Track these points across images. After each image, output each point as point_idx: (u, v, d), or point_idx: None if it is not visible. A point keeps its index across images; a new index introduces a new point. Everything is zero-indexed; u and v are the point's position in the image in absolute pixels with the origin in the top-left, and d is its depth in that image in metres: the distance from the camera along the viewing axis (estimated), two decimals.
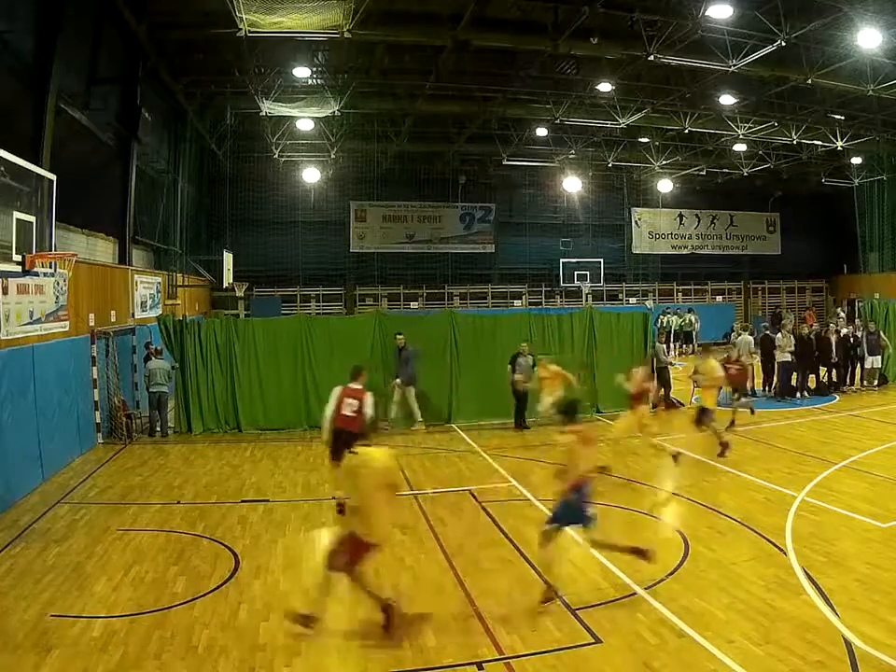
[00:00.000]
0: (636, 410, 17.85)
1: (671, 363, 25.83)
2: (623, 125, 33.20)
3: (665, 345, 25.76)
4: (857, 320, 32.26)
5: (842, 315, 28.62)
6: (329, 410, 13.75)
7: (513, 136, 38.18)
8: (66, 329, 18.53)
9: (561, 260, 48.41)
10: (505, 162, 41.42)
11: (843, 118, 33.74)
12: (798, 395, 26.21)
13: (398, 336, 22.14)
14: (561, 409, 11.27)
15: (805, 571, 10.61)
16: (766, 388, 26.91)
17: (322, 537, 13.10)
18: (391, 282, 47.36)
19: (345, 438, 12.06)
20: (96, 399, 20.14)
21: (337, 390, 14.01)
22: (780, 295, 53.85)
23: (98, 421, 20.38)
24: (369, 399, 13.81)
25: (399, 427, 21.86)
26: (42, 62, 18.44)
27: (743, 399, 22.40)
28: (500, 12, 23.49)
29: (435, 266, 47.58)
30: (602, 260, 48.64)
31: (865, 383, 27.83)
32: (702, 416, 18.57)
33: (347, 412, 13.59)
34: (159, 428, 22.05)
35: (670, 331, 40.54)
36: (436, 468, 17.93)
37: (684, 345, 41.83)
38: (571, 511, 10.29)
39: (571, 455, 10.33)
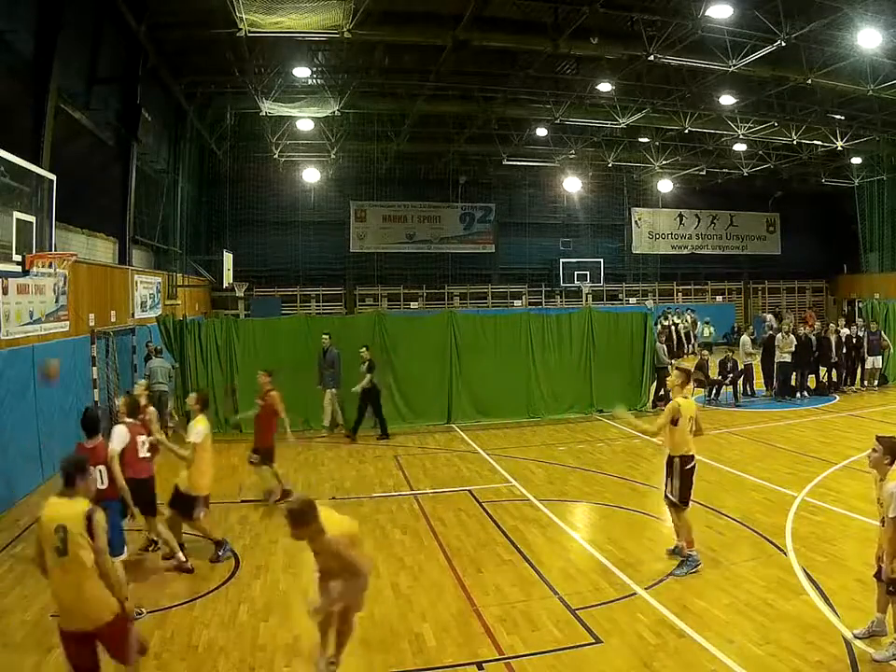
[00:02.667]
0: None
1: (671, 363, 25.80)
2: (623, 125, 33.16)
3: (664, 346, 25.66)
4: (858, 320, 32.26)
5: (835, 324, 28.62)
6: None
7: (513, 136, 38.14)
8: (66, 329, 18.53)
9: (561, 260, 48.41)
10: (505, 162, 41.38)
11: (843, 118, 33.69)
12: (798, 395, 26.24)
13: (324, 337, 21.64)
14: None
15: (806, 571, 10.63)
16: (768, 388, 26.93)
17: None
18: (391, 282, 47.40)
19: None
20: (96, 399, 20.11)
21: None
22: (780, 295, 53.85)
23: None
24: None
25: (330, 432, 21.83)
26: (42, 61, 18.43)
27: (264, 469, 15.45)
28: (500, 12, 23.44)
29: (435, 266, 47.57)
30: (602, 260, 48.69)
31: (866, 383, 27.85)
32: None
33: None
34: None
35: (672, 332, 39.88)
36: (435, 468, 17.93)
37: (687, 345, 41.74)
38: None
39: None
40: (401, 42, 25.25)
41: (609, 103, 31.80)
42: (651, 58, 24.15)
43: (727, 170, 45.11)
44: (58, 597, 6.97)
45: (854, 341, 27.43)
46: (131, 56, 25.06)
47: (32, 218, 13.86)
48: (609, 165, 43.57)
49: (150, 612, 9.78)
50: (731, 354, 26.23)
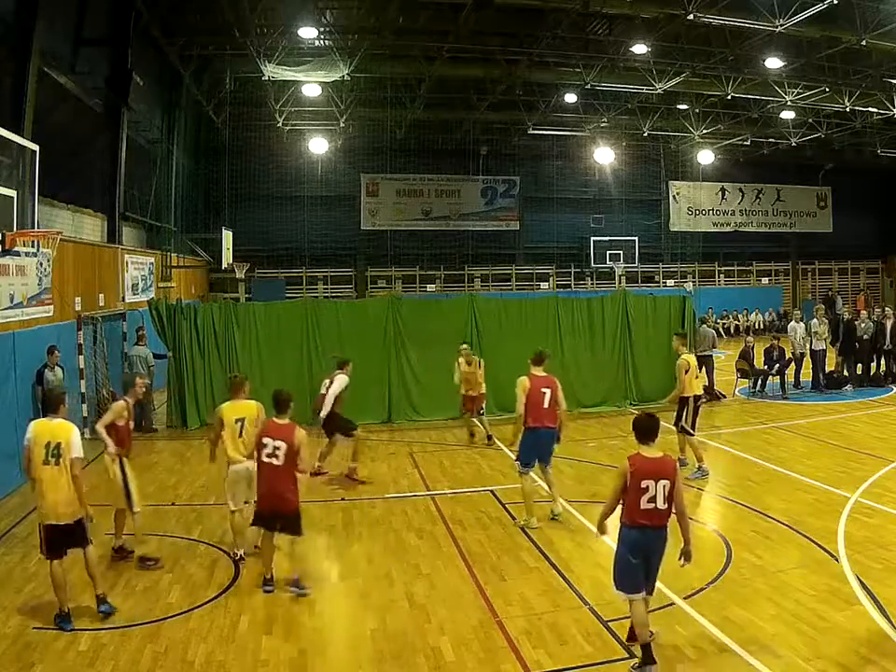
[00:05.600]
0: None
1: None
2: (659, 91, 32.99)
3: (714, 331, 25.60)
4: None
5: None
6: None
7: (540, 103, 38.03)
8: (50, 313, 18.57)
9: (592, 239, 48.31)
10: (530, 132, 41.33)
11: None
12: (848, 386, 26.09)
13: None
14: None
15: (860, 579, 10.53)
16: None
17: (329, 542, 13.09)
18: (406, 263, 47.31)
19: None
20: (83, 390, 20.13)
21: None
22: (832, 277, 53.58)
23: (85, 415, 20.32)
24: None
25: None
26: (23, 20, 18.40)
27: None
28: None
29: (454, 245, 47.51)
30: (637, 239, 48.58)
31: None
32: None
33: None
34: (143, 423, 21.98)
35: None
36: (454, 466, 17.90)
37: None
38: None
39: None
40: None
41: (645, 66, 31.61)
42: (691, 17, 24.00)
43: (774, 140, 44.79)
44: None
45: None
46: (121, 15, 25.04)
47: (13, 193, 13.88)
48: (645, 135, 43.40)
49: (142, 624, 9.78)
50: (776, 342, 26.05)
